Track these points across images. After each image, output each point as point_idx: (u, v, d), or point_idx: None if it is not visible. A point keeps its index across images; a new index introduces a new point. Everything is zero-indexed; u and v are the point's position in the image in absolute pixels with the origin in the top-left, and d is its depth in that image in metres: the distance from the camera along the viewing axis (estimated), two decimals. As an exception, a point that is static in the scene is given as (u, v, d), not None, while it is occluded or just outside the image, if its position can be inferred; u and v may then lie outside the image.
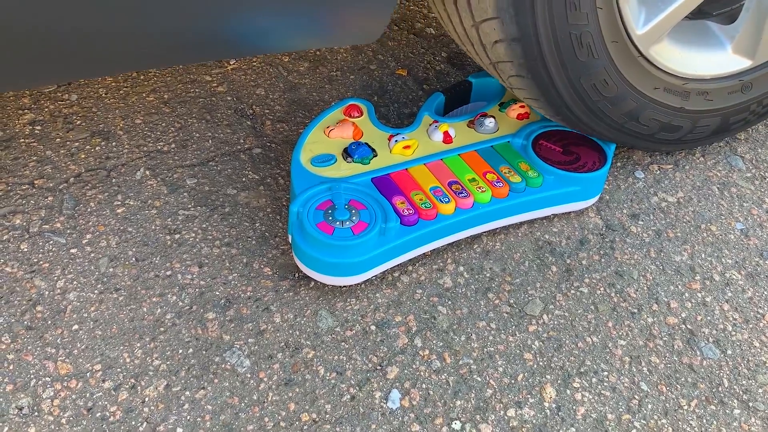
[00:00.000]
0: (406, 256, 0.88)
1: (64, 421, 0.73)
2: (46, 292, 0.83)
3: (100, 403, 0.74)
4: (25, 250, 0.87)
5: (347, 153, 0.93)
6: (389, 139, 0.96)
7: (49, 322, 0.81)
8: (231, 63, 1.19)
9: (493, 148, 0.98)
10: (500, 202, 0.91)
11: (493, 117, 1.01)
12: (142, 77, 1.14)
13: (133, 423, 0.73)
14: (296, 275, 0.88)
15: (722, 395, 0.80)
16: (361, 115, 1.00)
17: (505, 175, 0.93)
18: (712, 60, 0.97)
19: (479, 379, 0.79)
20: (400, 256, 0.87)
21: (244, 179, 0.99)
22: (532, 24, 0.79)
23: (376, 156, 0.94)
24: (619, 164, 1.06)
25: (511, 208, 0.93)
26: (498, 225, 0.94)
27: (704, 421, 0.77)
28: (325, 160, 0.92)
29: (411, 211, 0.86)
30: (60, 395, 0.75)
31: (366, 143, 0.95)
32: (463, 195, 0.90)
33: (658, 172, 1.06)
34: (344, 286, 0.86)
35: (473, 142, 0.98)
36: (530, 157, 0.95)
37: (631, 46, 0.87)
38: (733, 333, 0.86)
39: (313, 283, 0.87)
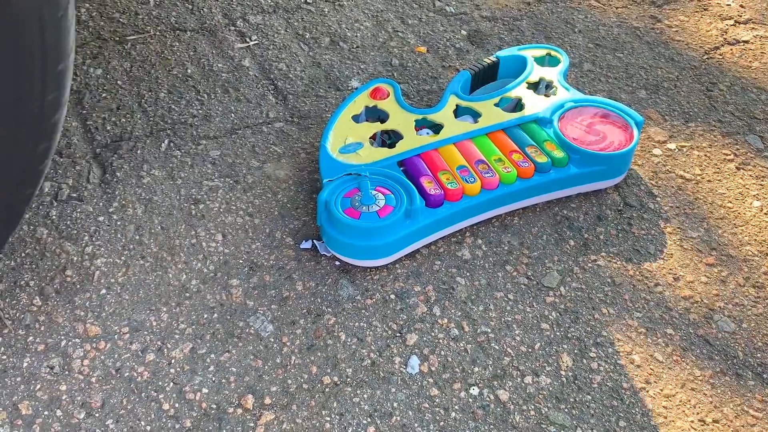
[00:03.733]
0: (432, 237, 0.90)
1: (93, 380, 0.75)
2: (75, 258, 0.85)
3: (128, 364, 0.77)
4: (54, 217, 0.89)
5: (374, 139, 0.95)
6: (416, 130, 0.97)
7: (78, 286, 0.83)
8: (253, 39, 1.20)
9: (520, 127, 0.98)
10: (526, 183, 0.92)
11: (520, 96, 1.02)
12: (165, 52, 1.15)
13: (160, 383, 0.75)
14: (314, 245, 0.89)
15: (737, 367, 0.81)
16: (388, 96, 1.01)
17: (531, 155, 0.94)
18: None
19: (497, 347, 0.81)
20: (427, 237, 0.89)
21: (266, 152, 1.01)
22: None
23: (402, 138, 0.95)
24: (637, 142, 1.07)
25: (536, 188, 0.93)
26: (524, 205, 0.95)
27: (719, 391, 0.78)
28: (352, 147, 0.93)
29: (438, 190, 0.88)
30: (89, 356, 0.77)
31: (394, 130, 0.96)
32: (489, 175, 0.90)
33: (676, 149, 1.07)
34: (365, 256, 0.88)
35: (500, 121, 0.98)
36: (557, 136, 0.96)
37: None
38: (749, 307, 0.87)
39: (331, 252, 0.88)
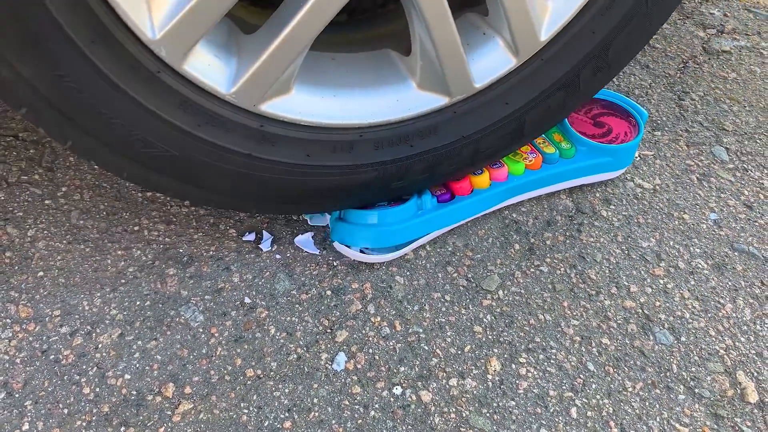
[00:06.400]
0: (441, 231, 0.91)
1: (18, 361, 0.76)
2: (17, 239, 0.86)
3: (54, 346, 0.77)
4: (2, 198, 0.90)
5: None
6: None
7: (16, 267, 0.84)
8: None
9: None
10: (534, 174, 0.93)
11: None
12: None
13: (84, 367, 0.76)
14: (258, 237, 0.89)
15: (669, 380, 0.79)
16: None
17: (539, 146, 0.94)
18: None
19: (426, 347, 0.80)
20: (436, 230, 0.89)
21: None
22: None
23: None
24: (598, 149, 1.06)
25: (544, 179, 0.94)
26: (530, 196, 0.95)
27: (647, 404, 0.77)
28: None
29: (443, 191, 0.89)
30: (18, 337, 0.78)
31: None
32: (496, 166, 0.91)
33: (638, 158, 1.05)
34: (310, 254, 0.88)
35: None
36: (564, 129, 0.97)
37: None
38: (690, 321, 0.85)
39: (275, 246, 0.88)
